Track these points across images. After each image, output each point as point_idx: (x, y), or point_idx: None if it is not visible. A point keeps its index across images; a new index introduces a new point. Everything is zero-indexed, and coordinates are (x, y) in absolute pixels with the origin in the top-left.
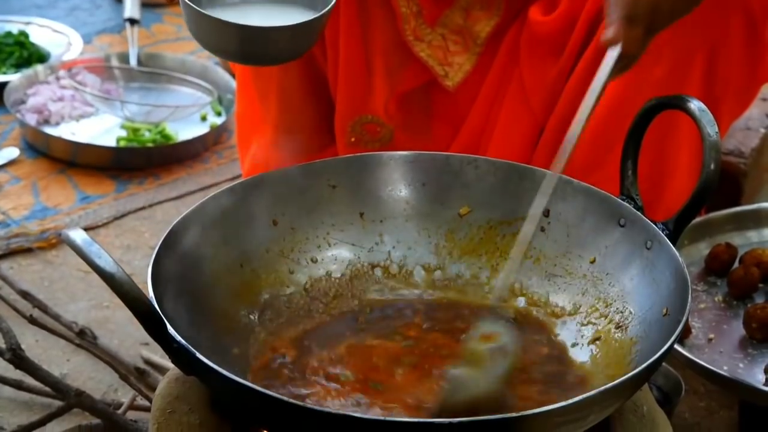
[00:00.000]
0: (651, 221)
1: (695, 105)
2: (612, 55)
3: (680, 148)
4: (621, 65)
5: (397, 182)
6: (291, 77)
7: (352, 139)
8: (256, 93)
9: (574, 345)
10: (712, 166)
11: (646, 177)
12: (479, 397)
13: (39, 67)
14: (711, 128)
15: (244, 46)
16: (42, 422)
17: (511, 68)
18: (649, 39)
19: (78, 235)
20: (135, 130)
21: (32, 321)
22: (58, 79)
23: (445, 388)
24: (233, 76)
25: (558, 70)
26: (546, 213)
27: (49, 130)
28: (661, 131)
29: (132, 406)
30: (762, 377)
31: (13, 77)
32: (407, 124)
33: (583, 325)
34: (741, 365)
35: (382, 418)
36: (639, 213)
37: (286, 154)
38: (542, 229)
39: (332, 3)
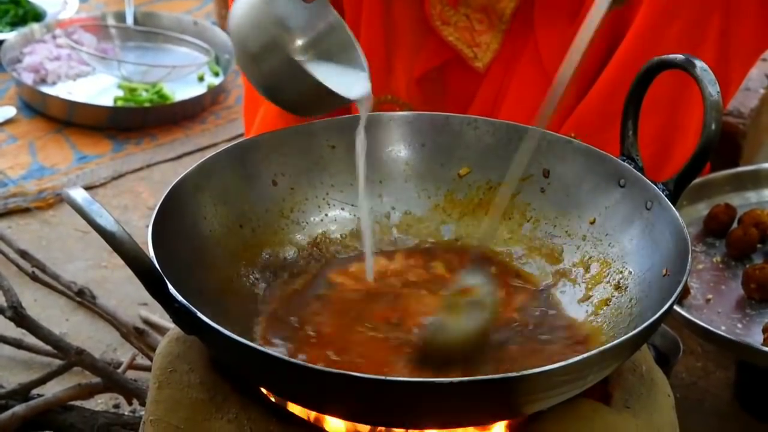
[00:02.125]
0: (651, 182)
1: (696, 64)
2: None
3: (692, 110)
4: (615, 4)
5: (396, 143)
6: None
7: None
8: None
9: (572, 305)
10: (713, 126)
11: (656, 138)
12: (456, 346)
13: (35, 26)
14: (712, 88)
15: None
16: (42, 381)
17: (524, 34)
18: None
19: (78, 194)
20: (132, 90)
21: (34, 278)
22: (54, 37)
23: (423, 334)
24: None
25: (573, 33)
26: (546, 173)
27: (46, 89)
28: (671, 92)
29: (131, 366)
30: (760, 337)
31: (8, 36)
32: (426, 102)
33: (582, 285)
34: (739, 325)
35: (382, 377)
36: (639, 173)
37: (292, 122)
38: (542, 190)
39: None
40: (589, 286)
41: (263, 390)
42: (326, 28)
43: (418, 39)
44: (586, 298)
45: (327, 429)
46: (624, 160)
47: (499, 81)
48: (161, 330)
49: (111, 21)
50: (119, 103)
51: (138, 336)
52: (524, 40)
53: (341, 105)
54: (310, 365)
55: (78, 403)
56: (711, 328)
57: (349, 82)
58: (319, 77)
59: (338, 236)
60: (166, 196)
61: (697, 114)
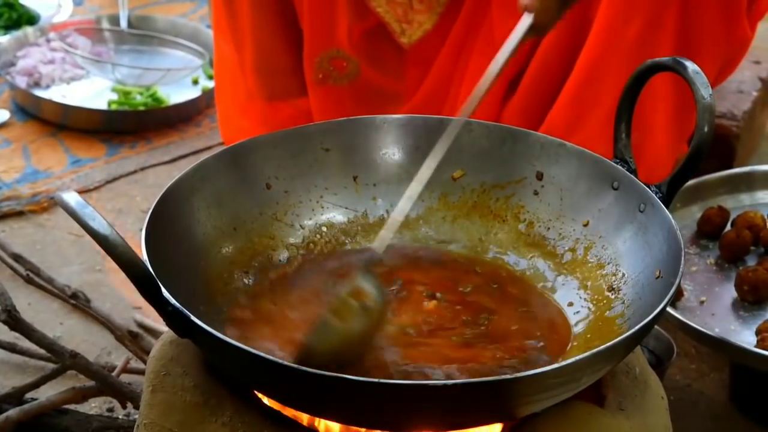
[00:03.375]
0: (644, 184)
1: (689, 67)
2: (525, 21)
3: (656, 110)
4: (534, 32)
5: (390, 145)
6: (264, 15)
7: (320, 76)
8: (232, 40)
9: (568, 306)
10: (706, 129)
11: None
12: (341, 349)
13: (29, 29)
14: (705, 90)
15: None
16: (36, 384)
17: (477, 21)
18: (563, 11)
19: (71, 198)
20: (126, 93)
21: (28, 281)
22: (48, 41)
23: (311, 334)
24: None
25: None
26: (539, 176)
27: (40, 93)
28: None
29: (125, 369)
30: (753, 339)
31: (2, 39)
32: (373, 57)
33: (576, 287)
34: (732, 327)
35: (376, 380)
36: (632, 176)
37: (264, 101)
38: (535, 193)
39: None
40: (583, 288)
41: (257, 393)
42: None
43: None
44: (580, 300)
45: None
46: (617, 163)
47: (451, 65)
48: (155, 333)
49: (105, 24)
50: (113, 107)
51: (132, 339)
52: (475, 23)
53: None
54: (303, 368)
55: (72, 406)
56: (704, 330)
57: None
58: None
59: (332, 239)
60: (159, 200)
61: (661, 113)
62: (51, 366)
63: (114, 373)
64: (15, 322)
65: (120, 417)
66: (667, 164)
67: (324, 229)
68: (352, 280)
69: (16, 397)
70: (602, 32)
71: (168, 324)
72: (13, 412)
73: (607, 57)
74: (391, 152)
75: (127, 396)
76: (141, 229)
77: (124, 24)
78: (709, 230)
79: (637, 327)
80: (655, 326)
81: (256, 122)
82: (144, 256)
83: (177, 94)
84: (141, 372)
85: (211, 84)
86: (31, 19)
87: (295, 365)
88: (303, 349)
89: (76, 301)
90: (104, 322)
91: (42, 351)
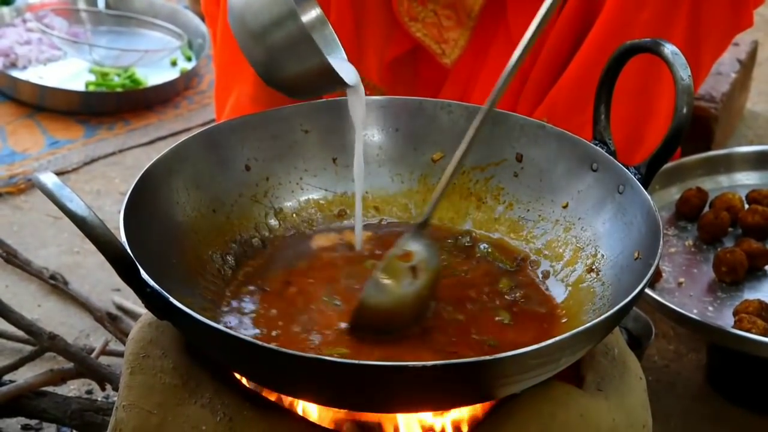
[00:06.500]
0: (623, 165)
1: (668, 48)
2: None
3: (661, 94)
4: None
5: (370, 127)
6: None
7: None
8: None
9: (545, 288)
10: (685, 110)
11: (627, 122)
12: (395, 308)
13: (4, 10)
14: (684, 72)
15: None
16: (14, 366)
17: (492, 30)
18: None
19: (49, 179)
20: (104, 75)
21: (7, 261)
22: (24, 21)
23: (363, 296)
24: (203, 19)
25: None
26: (519, 158)
27: (17, 74)
28: (642, 77)
29: (104, 351)
30: (731, 320)
31: None
32: (397, 84)
33: (555, 269)
34: (710, 308)
35: (354, 361)
36: (611, 157)
37: (265, 108)
38: (515, 174)
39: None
40: (562, 269)
41: (237, 375)
42: (312, 22)
43: (388, 27)
44: (559, 281)
45: (301, 414)
46: (596, 144)
47: (468, 66)
48: (134, 315)
49: (82, 5)
50: (91, 88)
51: (111, 321)
52: (492, 34)
53: (331, 90)
54: (281, 349)
55: (50, 388)
56: (683, 312)
57: (344, 68)
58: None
59: (311, 220)
60: (138, 181)
61: (666, 98)
62: (29, 348)
63: (93, 355)
64: None
65: (99, 399)
66: None
67: (303, 210)
68: (401, 242)
69: None
70: (612, 17)
71: (147, 306)
72: None
73: (616, 42)
74: (371, 134)
75: (106, 378)
76: (119, 211)
77: (101, 4)
78: (687, 212)
79: (615, 308)
80: (634, 307)
81: None
82: (122, 237)
83: (155, 75)
84: (120, 354)
85: (189, 65)
86: None
87: (274, 346)
88: (356, 308)
89: (55, 283)
90: (83, 304)
91: (20, 333)
